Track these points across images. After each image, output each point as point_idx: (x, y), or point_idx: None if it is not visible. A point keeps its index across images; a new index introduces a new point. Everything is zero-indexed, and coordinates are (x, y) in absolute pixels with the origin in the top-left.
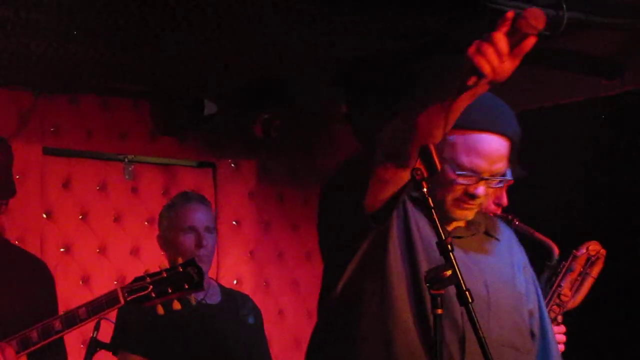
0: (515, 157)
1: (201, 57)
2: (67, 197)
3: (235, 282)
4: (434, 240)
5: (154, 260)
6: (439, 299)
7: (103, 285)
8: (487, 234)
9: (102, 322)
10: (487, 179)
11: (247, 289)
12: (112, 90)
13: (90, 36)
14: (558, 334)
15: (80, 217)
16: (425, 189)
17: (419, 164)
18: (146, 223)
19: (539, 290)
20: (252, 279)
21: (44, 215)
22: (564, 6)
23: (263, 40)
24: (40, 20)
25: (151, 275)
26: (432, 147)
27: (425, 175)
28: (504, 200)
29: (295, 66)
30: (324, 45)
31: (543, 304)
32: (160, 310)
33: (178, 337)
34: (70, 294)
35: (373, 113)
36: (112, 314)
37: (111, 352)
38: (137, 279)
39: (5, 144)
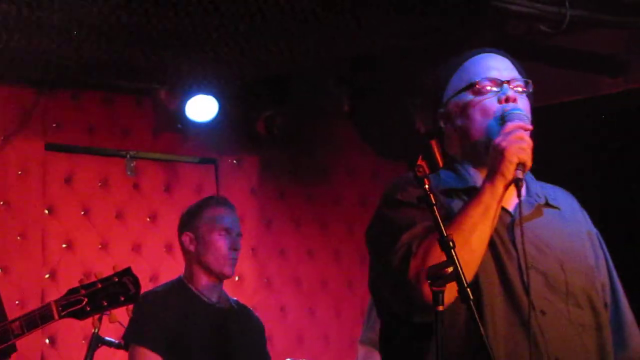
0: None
1: (203, 53)
2: (69, 193)
3: (237, 278)
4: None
5: (156, 256)
6: (440, 295)
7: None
8: (548, 204)
9: (104, 318)
10: (509, 81)
11: (248, 286)
12: (114, 86)
13: (93, 33)
14: None
15: (82, 213)
16: (427, 186)
17: (421, 161)
18: (148, 219)
19: (607, 254)
20: (254, 275)
21: (46, 211)
22: (567, 4)
23: (266, 38)
24: (42, 17)
25: (85, 287)
26: (434, 144)
27: (428, 172)
28: None
29: (299, 64)
30: (327, 43)
31: (613, 270)
32: (114, 318)
33: (193, 335)
34: None
35: (375, 111)
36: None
37: (114, 347)
38: (71, 291)
39: None
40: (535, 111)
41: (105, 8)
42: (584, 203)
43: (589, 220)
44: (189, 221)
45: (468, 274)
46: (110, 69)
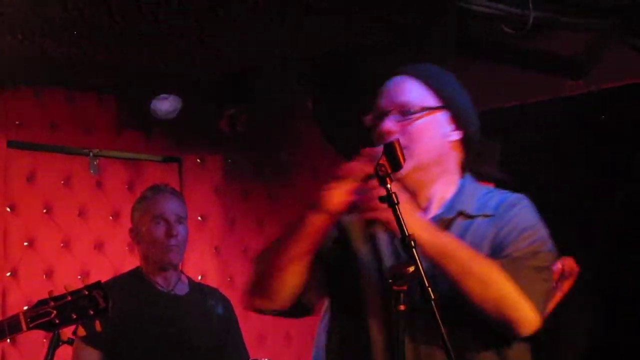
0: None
1: (166, 51)
2: (31, 191)
3: (200, 277)
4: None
5: (118, 254)
6: (401, 295)
7: (67, 279)
8: (463, 214)
9: None
10: (387, 112)
11: (212, 284)
12: (77, 83)
13: (56, 29)
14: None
15: (45, 211)
16: (389, 185)
17: (383, 160)
18: (111, 218)
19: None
20: (217, 274)
21: (8, 209)
22: (531, 5)
23: (229, 35)
24: (4, 14)
25: (55, 299)
26: (396, 144)
27: (389, 171)
28: None
29: (262, 62)
30: (290, 40)
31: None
32: (81, 332)
33: (144, 325)
34: (33, 289)
35: (338, 109)
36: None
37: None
38: (40, 302)
39: None
40: (499, 112)
41: (69, 4)
42: (545, 203)
43: (513, 216)
44: (132, 215)
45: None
46: (72, 65)
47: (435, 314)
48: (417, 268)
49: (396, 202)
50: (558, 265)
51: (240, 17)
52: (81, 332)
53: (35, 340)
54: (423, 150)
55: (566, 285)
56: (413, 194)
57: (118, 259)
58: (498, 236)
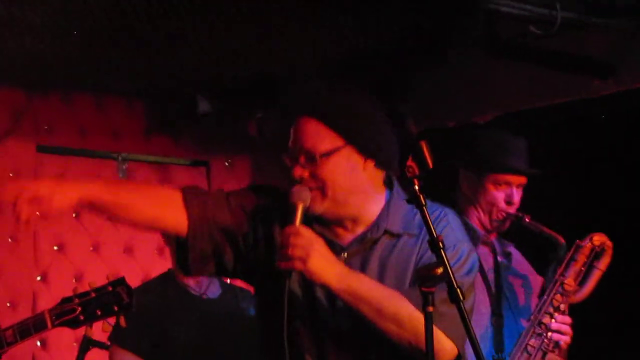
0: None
1: (195, 56)
2: None
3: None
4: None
5: (147, 258)
6: (430, 296)
7: (95, 282)
8: (389, 232)
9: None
10: (297, 158)
11: (242, 285)
12: (106, 88)
13: (85, 35)
14: (562, 324)
15: (74, 215)
16: (417, 186)
17: (411, 162)
18: None
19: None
20: None
21: (37, 214)
22: (558, 6)
23: (257, 40)
24: (34, 19)
25: (79, 296)
26: (424, 145)
27: (417, 172)
28: (515, 199)
29: (289, 65)
30: (317, 44)
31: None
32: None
33: (177, 328)
34: (63, 293)
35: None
36: None
37: (105, 349)
38: (64, 300)
39: None
40: (526, 113)
41: (97, 10)
42: (574, 204)
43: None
44: None
45: None
46: (101, 70)
47: (464, 315)
48: (445, 270)
49: (424, 203)
50: (586, 241)
51: (267, 23)
52: (107, 327)
53: (66, 344)
54: (336, 188)
55: (603, 263)
56: (338, 223)
57: (147, 262)
58: (423, 257)
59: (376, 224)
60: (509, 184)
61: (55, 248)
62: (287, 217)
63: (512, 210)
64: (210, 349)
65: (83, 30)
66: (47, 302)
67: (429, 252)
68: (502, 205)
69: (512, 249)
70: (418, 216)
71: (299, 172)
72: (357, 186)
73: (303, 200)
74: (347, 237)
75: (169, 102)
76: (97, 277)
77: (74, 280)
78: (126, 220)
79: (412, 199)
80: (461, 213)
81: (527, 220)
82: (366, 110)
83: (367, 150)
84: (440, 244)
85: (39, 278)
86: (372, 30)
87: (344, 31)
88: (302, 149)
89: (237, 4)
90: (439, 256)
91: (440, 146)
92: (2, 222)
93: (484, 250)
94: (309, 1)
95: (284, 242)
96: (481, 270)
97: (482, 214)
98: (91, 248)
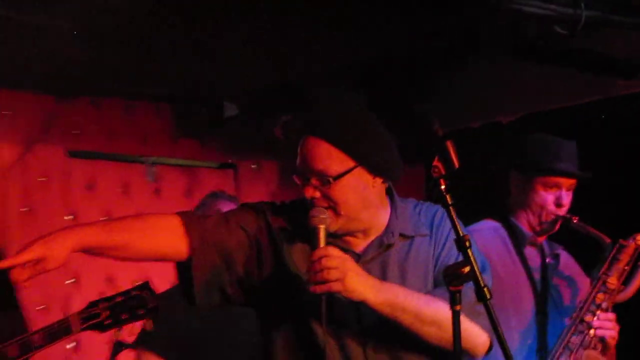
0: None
1: (222, 62)
2: (91, 199)
3: None
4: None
5: None
6: (457, 295)
7: (126, 284)
8: (403, 235)
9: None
10: (308, 179)
11: None
12: (134, 93)
13: (113, 42)
14: (605, 321)
15: (105, 218)
16: (443, 187)
17: (437, 162)
18: None
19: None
20: None
21: (69, 217)
22: (583, 5)
23: (283, 45)
24: (64, 27)
25: (105, 300)
26: (450, 145)
27: (443, 172)
28: (565, 201)
29: (315, 69)
30: (343, 49)
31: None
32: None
33: (202, 328)
34: (94, 294)
35: (391, 115)
36: None
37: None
38: (91, 305)
39: None
40: (551, 113)
41: (126, 18)
42: (600, 202)
43: (449, 233)
44: None
45: None
46: (130, 76)
47: (492, 314)
48: (471, 268)
49: (450, 203)
50: (630, 241)
51: (293, 30)
52: (135, 330)
53: (98, 345)
54: (348, 207)
55: None
56: (350, 234)
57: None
58: (440, 255)
59: (389, 229)
60: (558, 186)
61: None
62: (310, 241)
63: (561, 212)
64: (236, 350)
65: (111, 37)
66: (79, 305)
67: (445, 250)
68: (552, 207)
69: (561, 251)
70: (424, 215)
71: (311, 192)
72: (368, 202)
73: (323, 223)
74: (359, 244)
75: (197, 107)
76: (127, 279)
77: (104, 282)
78: (125, 258)
79: (439, 199)
80: (511, 215)
81: (575, 221)
82: (374, 130)
83: (376, 169)
84: (467, 244)
85: (71, 281)
86: (399, 35)
87: (371, 36)
88: (314, 170)
89: (262, 13)
90: (466, 255)
91: (467, 147)
92: (31, 225)
93: (531, 251)
94: (334, 9)
95: (315, 266)
96: (527, 270)
97: (531, 216)
98: None
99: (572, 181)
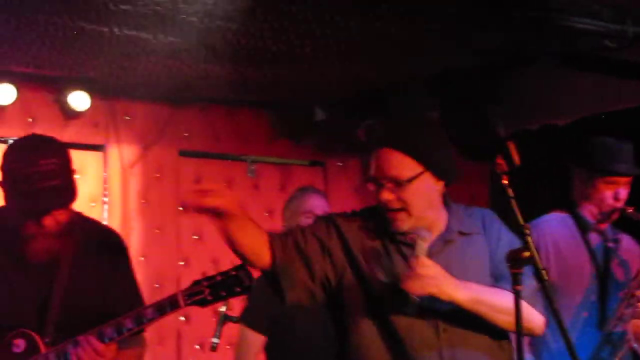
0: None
1: (313, 71)
2: None
3: None
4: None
5: None
6: (519, 276)
7: (228, 266)
8: (462, 232)
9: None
10: (382, 184)
11: None
12: (236, 101)
13: (218, 55)
14: None
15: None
16: (505, 181)
17: (500, 159)
18: (266, 214)
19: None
20: None
21: (180, 208)
22: (630, 22)
23: (367, 56)
24: (175, 43)
25: (207, 279)
26: (511, 145)
27: (505, 169)
28: (622, 196)
29: (395, 79)
30: (420, 60)
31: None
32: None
33: (295, 311)
34: (201, 274)
35: (462, 118)
36: None
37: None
38: (195, 283)
39: (59, 145)
40: (604, 117)
41: (228, 33)
42: None
43: (498, 231)
44: (283, 214)
45: None
46: (232, 85)
47: (548, 292)
48: (531, 253)
49: (511, 196)
50: None
51: (373, 41)
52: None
53: (205, 318)
54: (418, 207)
55: None
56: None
57: None
58: (496, 251)
59: (450, 227)
60: (617, 183)
61: (195, 237)
62: (411, 251)
63: (619, 204)
64: (325, 331)
65: (216, 51)
66: (189, 283)
67: (501, 246)
68: (610, 201)
69: (624, 236)
70: (473, 216)
71: (387, 195)
72: (432, 203)
73: (422, 238)
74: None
75: (290, 111)
76: (231, 262)
77: (211, 264)
78: (236, 243)
79: (501, 192)
80: (575, 205)
81: (629, 211)
82: (438, 140)
83: (440, 174)
84: (527, 231)
85: (181, 263)
86: (468, 48)
87: (445, 48)
88: (388, 176)
89: (349, 27)
90: (525, 242)
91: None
92: (149, 215)
93: (594, 236)
94: (413, 27)
95: (417, 273)
96: (590, 252)
97: (592, 207)
98: None
99: (629, 178)
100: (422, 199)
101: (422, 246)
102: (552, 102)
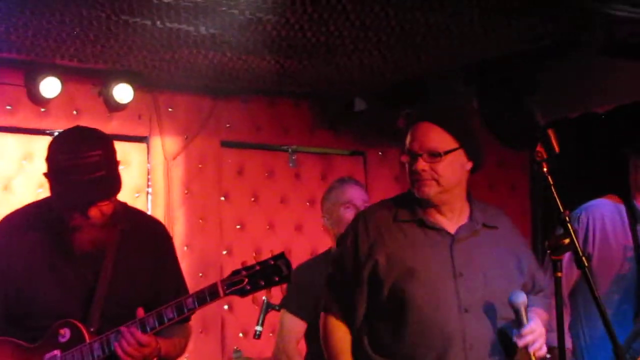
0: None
1: (353, 62)
2: (241, 183)
3: None
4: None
5: (315, 235)
6: (559, 263)
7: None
8: (486, 226)
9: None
10: (420, 155)
11: None
12: (277, 92)
13: (258, 48)
14: None
15: (252, 199)
16: (545, 169)
17: (539, 147)
18: (307, 203)
19: (532, 259)
20: None
21: (222, 198)
22: None
23: (405, 48)
24: (216, 35)
25: (246, 269)
26: (551, 133)
27: (545, 156)
28: None
29: (434, 68)
30: (457, 51)
31: (537, 269)
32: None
33: None
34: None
35: (501, 106)
36: None
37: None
38: (234, 273)
39: (103, 137)
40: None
41: (268, 25)
42: None
43: (521, 237)
44: (322, 205)
45: None
46: (272, 77)
47: (589, 279)
48: (571, 240)
49: (551, 183)
50: None
51: (413, 31)
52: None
53: (249, 307)
54: (448, 179)
55: None
56: (442, 211)
57: (314, 238)
58: (520, 250)
59: (474, 217)
60: None
61: (238, 227)
62: (517, 320)
63: None
64: None
65: (257, 44)
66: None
67: (522, 243)
68: None
69: None
70: (489, 212)
71: (422, 165)
72: (461, 180)
73: (524, 303)
74: (450, 226)
75: (331, 102)
76: (270, 252)
77: (253, 254)
78: None
79: (542, 180)
80: (630, 196)
81: None
82: (473, 122)
83: (472, 154)
84: (567, 219)
85: (224, 252)
86: (507, 37)
87: (480, 38)
88: (426, 148)
89: (387, 17)
90: (566, 228)
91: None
92: (192, 205)
93: None
94: (452, 16)
95: (527, 341)
96: (637, 243)
97: None
98: (267, 226)
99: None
100: (453, 174)
101: (523, 311)
102: (591, 90)
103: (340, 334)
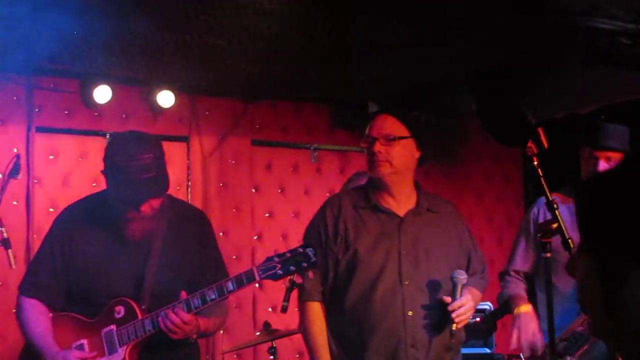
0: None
1: (367, 70)
2: (270, 177)
3: None
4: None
5: None
6: (547, 245)
7: (297, 242)
8: (430, 210)
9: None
10: (376, 139)
11: None
12: (301, 97)
13: (284, 57)
14: None
15: (279, 190)
16: (535, 162)
17: (530, 143)
18: (328, 194)
19: (472, 241)
20: None
21: (253, 190)
22: None
23: (414, 56)
24: (246, 47)
25: (279, 256)
26: (540, 131)
27: (535, 151)
28: (601, 167)
29: (438, 76)
30: (460, 58)
31: (474, 250)
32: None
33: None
34: (272, 247)
35: (496, 108)
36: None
37: None
38: (268, 259)
39: (154, 141)
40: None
41: (293, 37)
42: None
43: (463, 225)
44: None
45: None
46: (298, 83)
47: (571, 259)
48: (559, 225)
49: (541, 175)
50: None
51: (421, 42)
52: (298, 279)
53: (277, 285)
54: (398, 162)
55: None
56: (393, 194)
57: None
58: (460, 234)
59: (420, 203)
60: (601, 157)
61: (267, 215)
62: (452, 293)
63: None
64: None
65: (284, 53)
66: (261, 256)
67: (466, 230)
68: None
69: None
70: (430, 199)
71: (378, 147)
72: (409, 166)
73: (462, 280)
74: (400, 209)
75: (348, 105)
76: (297, 237)
77: (281, 239)
78: None
79: (532, 172)
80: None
81: None
82: (430, 121)
83: (421, 144)
84: (555, 205)
85: (255, 237)
86: (502, 46)
87: (482, 47)
88: (382, 133)
89: (398, 31)
90: (554, 214)
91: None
92: (226, 196)
93: None
94: (456, 31)
95: (457, 311)
96: None
97: None
98: (293, 215)
99: (616, 154)
100: (404, 158)
101: (459, 287)
102: (575, 95)
103: (319, 323)
